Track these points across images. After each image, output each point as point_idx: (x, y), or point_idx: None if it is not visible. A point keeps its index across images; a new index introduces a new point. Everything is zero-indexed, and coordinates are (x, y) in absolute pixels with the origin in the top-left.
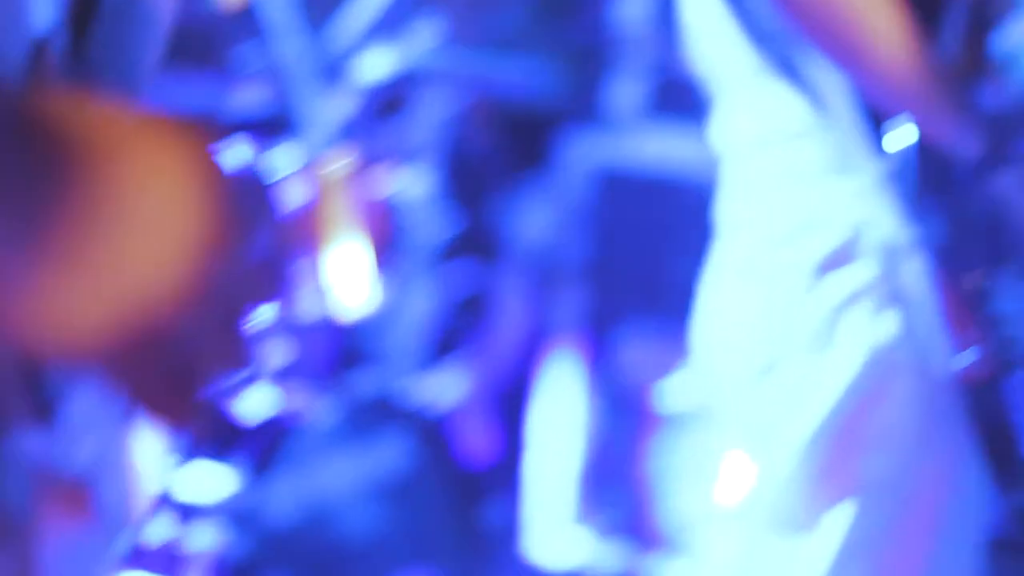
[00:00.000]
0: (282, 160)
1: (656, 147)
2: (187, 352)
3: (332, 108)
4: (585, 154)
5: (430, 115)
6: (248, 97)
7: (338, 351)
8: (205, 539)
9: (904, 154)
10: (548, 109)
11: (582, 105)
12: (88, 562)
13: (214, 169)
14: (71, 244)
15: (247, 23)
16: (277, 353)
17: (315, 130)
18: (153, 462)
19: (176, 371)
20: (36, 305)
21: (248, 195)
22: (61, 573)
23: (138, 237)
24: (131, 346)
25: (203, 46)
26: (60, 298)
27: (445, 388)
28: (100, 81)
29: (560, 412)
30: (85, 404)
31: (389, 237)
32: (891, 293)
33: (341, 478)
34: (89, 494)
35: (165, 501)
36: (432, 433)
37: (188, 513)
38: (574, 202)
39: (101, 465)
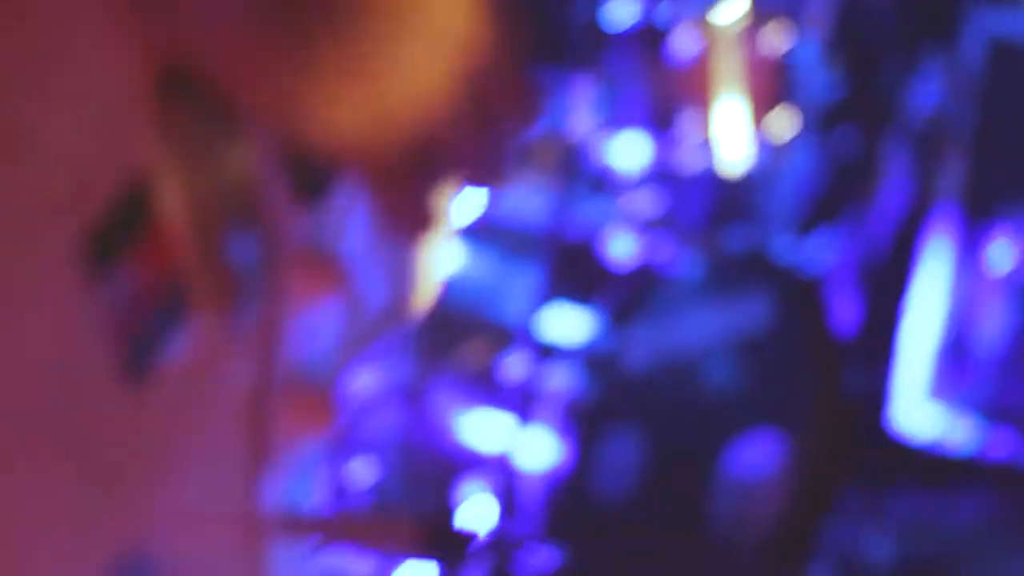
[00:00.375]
0: (675, 11)
1: None
2: (441, 161)
3: None
4: (985, 25)
5: None
6: None
7: (714, 205)
8: (560, 381)
9: None
10: None
11: None
12: (334, 335)
13: None
14: (346, 41)
15: None
16: (651, 201)
17: None
18: (425, 266)
19: (427, 178)
20: (310, 96)
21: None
22: (306, 340)
23: (410, 42)
24: (392, 147)
25: None
26: (331, 91)
27: (818, 251)
28: None
29: (931, 285)
30: (351, 190)
31: (776, 96)
32: None
33: (701, 331)
34: (342, 273)
35: (524, 339)
36: (800, 295)
37: (545, 353)
38: (968, 73)
39: (360, 250)
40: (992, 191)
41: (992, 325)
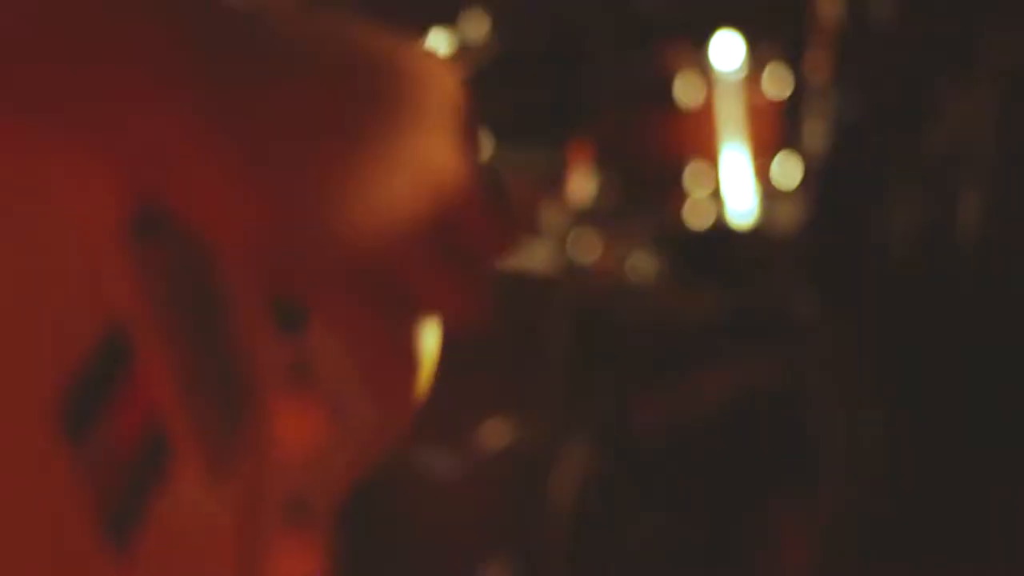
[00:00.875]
0: (674, 60)
1: None
2: (464, 242)
3: (726, 9)
4: (1000, 54)
5: (830, 16)
6: None
7: (723, 259)
8: (577, 454)
9: None
10: (962, 5)
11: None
12: (325, 469)
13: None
14: (387, 148)
15: None
16: (655, 259)
17: (708, 32)
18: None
19: (457, 261)
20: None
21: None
22: (296, 476)
23: (435, 140)
24: (422, 237)
25: None
26: (374, 197)
27: (831, 302)
28: None
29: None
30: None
31: (779, 142)
32: None
33: (716, 391)
34: (329, 403)
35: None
36: (815, 348)
37: (561, 429)
38: (986, 100)
39: (346, 374)
40: (1013, 226)
41: None
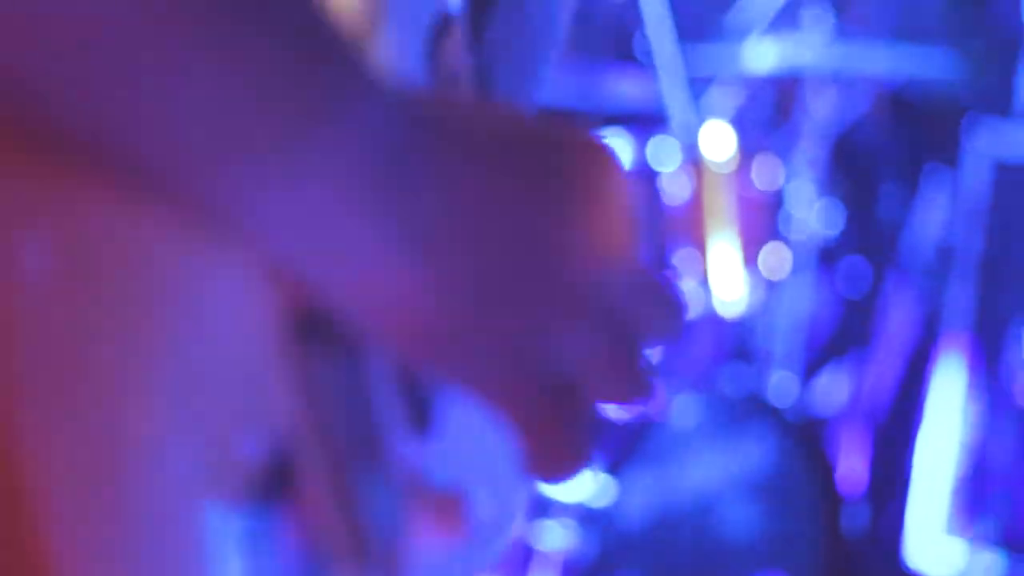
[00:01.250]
0: (663, 153)
1: None
2: (629, 319)
3: (716, 101)
4: (986, 148)
5: (820, 110)
6: (631, 88)
7: (711, 347)
8: (557, 539)
9: None
10: (950, 102)
11: (988, 98)
12: (454, 571)
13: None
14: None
15: (634, 13)
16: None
17: (696, 123)
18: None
19: (624, 346)
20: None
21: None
22: None
23: (606, 228)
24: (595, 323)
25: (590, 35)
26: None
27: (824, 389)
28: (496, 64)
29: (944, 417)
30: (461, 410)
31: (769, 233)
32: None
33: (702, 478)
34: (463, 505)
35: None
36: (802, 436)
37: (541, 511)
38: (972, 197)
39: (476, 474)
40: (1002, 317)
41: (1010, 454)
